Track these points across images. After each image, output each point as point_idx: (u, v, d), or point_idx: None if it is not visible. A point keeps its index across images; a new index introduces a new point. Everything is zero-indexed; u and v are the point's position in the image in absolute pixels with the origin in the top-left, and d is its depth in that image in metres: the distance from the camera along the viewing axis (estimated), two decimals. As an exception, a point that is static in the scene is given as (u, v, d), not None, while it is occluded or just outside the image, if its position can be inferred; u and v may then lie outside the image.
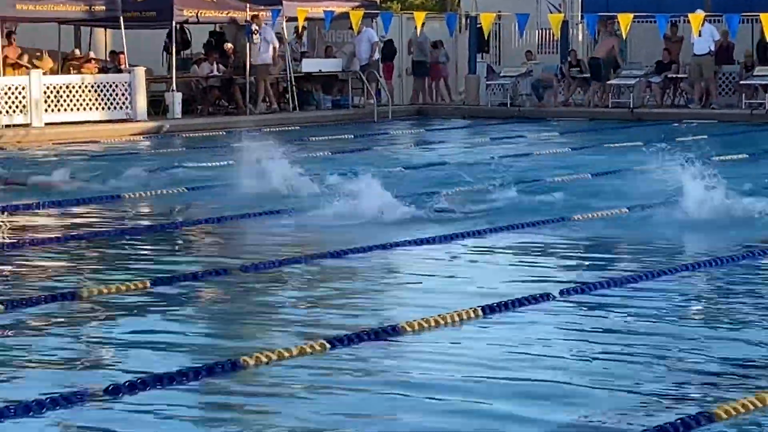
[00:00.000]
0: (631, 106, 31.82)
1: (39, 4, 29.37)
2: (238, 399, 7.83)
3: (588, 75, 33.44)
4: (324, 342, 8.87)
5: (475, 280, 11.52)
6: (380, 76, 33.83)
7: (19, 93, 27.98)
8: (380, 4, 37.32)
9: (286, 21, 32.96)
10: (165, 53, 32.66)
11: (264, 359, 8.43)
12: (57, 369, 8.52)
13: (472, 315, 9.81)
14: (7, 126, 27.47)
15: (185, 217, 15.95)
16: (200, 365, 8.26)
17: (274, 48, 31.23)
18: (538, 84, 34.01)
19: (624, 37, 31.80)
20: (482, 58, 36.37)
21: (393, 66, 35.63)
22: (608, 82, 32.57)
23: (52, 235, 14.19)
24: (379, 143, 27.25)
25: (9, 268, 12.41)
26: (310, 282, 11.56)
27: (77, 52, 32.67)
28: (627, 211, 14.94)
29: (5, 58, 28.99)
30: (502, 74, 35.06)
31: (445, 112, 34.64)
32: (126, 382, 7.81)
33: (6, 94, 27.79)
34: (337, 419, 7.37)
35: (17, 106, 27.87)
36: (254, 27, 30.89)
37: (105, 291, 10.76)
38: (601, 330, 9.61)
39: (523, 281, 11.31)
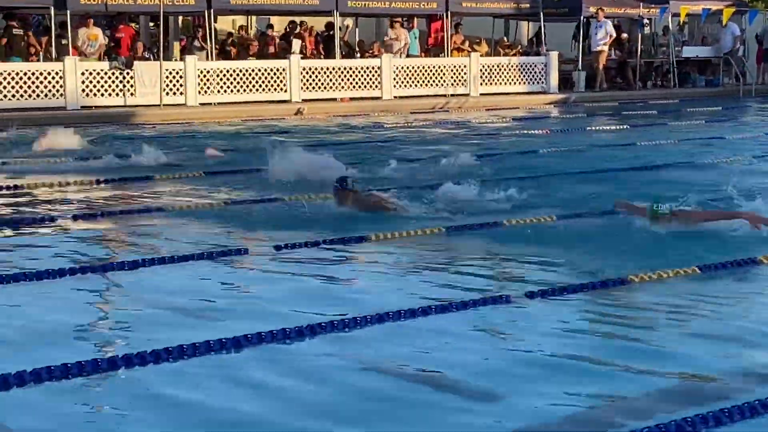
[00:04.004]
0: None
1: (479, 2, 29.81)
2: (625, 312, 7.59)
3: None
4: (696, 268, 8.55)
5: None
6: (745, 61, 32.47)
7: (461, 70, 28.48)
8: (748, 2, 35.61)
9: (671, 16, 32.05)
10: (573, 41, 32.39)
11: (646, 278, 8.20)
12: (481, 274, 8.52)
13: None
14: (452, 95, 28.03)
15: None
16: (593, 281, 8.10)
17: (611, 37, 30.26)
18: None
19: None
20: None
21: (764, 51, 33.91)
22: None
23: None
24: (743, 115, 26.13)
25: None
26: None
27: (505, 39, 32.88)
28: None
29: (453, 43, 29.52)
30: None
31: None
32: (539, 289, 7.76)
33: (451, 70, 28.34)
34: (711, 335, 6.96)
35: (460, 80, 28.39)
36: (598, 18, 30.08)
37: (521, 222, 10.74)
38: None
39: None
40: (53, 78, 23.17)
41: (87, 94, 23.58)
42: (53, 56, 24.35)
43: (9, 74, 22.87)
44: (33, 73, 23.10)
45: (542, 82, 29.67)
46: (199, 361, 6.21)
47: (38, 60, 24.68)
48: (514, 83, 29.38)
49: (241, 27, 30.90)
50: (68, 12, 24.35)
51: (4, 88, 22.74)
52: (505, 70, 29.27)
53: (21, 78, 22.91)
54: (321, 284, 8.30)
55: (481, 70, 28.73)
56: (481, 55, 29.55)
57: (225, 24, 32.47)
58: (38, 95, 23.04)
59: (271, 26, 29.29)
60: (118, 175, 14.08)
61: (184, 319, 7.17)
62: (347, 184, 10.86)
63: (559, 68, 30.07)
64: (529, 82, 29.55)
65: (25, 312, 7.40)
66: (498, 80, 29.09)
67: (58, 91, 23.19)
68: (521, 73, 29.47)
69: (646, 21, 31.68)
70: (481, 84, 28.68)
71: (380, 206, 10.73)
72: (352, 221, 10.55)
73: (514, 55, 30.58)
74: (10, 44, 24.53)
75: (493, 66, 29.14)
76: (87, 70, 23.66)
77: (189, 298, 7.79)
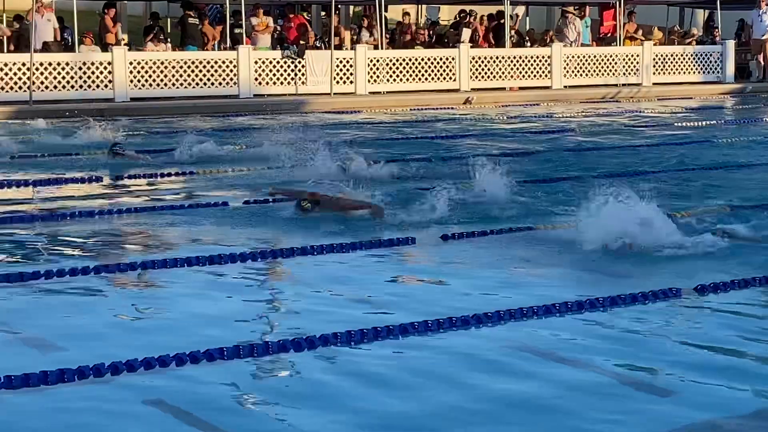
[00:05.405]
0: None
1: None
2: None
3: None
4: None
5: None
6: None
7: (634, 59, 28.05)
8: None
9: None
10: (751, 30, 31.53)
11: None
12: (650, 266, 8.37)
13: None
14: (624, 85, 27.62)
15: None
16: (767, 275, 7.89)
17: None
18: None
19: None
20: None
21: None
22: None
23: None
24: None
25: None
26: None
27: (677, 27, 32.22)
28: None
29: (626, 32, 29.06)
30: None
31: None
32: (710, 283, 7.58)
33: (623, 60, 27.93)
34: None
35: (632, 69, 27.95)
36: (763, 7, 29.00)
37: (691, 214, 10.51)
38: None
39: None
40: (227, 66, 23.74)
41: (259, 83, 24.09)
42: (227, 45, 24.96)
43: (185, 62, 23.53)
44: (208, 62, 23.72)
45: (717, 72, 28.96)
46: (363, 348, 6.30)
47: (213, 49, 25.33)
48: (688, 73, 28.75)
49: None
50: (242, 1, 24.92)
51: (180, 76, 23.41)
52: (678, 59, 28.67)
53: (196, 66, 23.55)
54: (486, 274, 8.30)
55: (654, 59, 28.22)
56: (655, 44, 29.02)
57: (394, 13, 32.70)
58: (212, 83, 23.65)
59: (407, 14, 29.59)
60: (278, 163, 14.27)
61: (347, 307, 7.27)
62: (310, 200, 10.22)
63: (736, 57, 29.30)
64: (703, 72, 28.88)
65: (201, 295, 7.65)
66: (671, 69, 28.52)
67: (231, 79, 23.76)
68: (696, 62, 28.82)
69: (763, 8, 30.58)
70: (654, 73, 28.17)
71: (351, 208, 10.18)
72: (517, 211, 10.53)
73: (689, 43, 29.92)
74: (186, 33, 25.25)
75: (666, 55, 28.58)
76: (260, 59, 24.16)
77: (355, 286, 7.91)
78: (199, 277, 8.11)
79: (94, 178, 13.27)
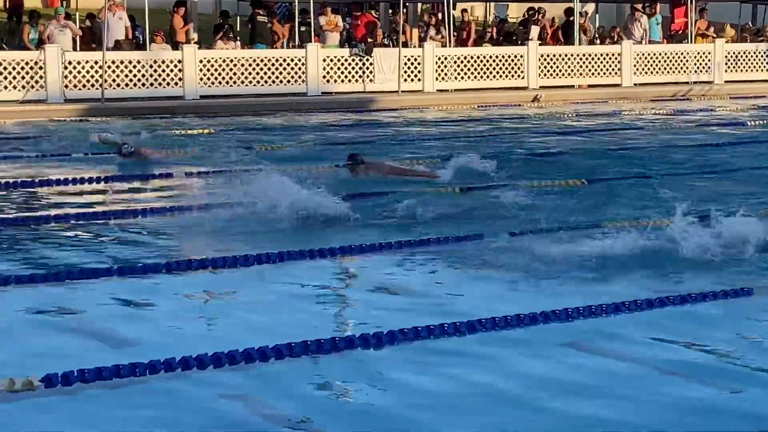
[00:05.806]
0: None
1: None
2: None
3: None
4: None
5: None
6: None
7: (705, 57, 27.72)
8: None
9: None
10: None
11: None
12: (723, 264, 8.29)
13: None
14: (695, 83, 27.29)
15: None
16: None
17: None
18: None
19: None
20: None
21: None
22: None
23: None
24: None
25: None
26: None
27: (749, 24, 31.78)
28: None
29: (697, 29, 28.74)
30: None
31: None
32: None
33: (694, 57, 27.61)
34: None
35: (703, 67, 27.62)
36: None
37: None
38: None
39: None
40: (296, 64, 23.87)
41: (327, 81, 24.18)
42: (296, 43, 25.08)
43: (254, 60, 23.69)
44: (276, 60, 23.85)
45: (797, 69, 28.53)
46: (422, 344, 6.32)
47: (282, 47, 25.47)
48: (761, 70, 28.35)
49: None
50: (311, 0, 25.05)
51: (249, 74, 23.57)
52: (751, 56, 28.28)
53: (265, 64, 23.70)
54: (553, 271, 8.26)
55: (726, 57, 27.87)
56: (726, 41, 28.66)
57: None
58: (281, 81, 23.78)
59: (465, 11, 29.33)
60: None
61: (411, 304, 7.30)
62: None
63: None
64: (782, 69, 28.49)
65: (268, 293, 7.71)
66: (744, 67, 28.14)
67: (300, 77, 23.87)
68: (770, 59, 28.42)
69: None
70: (725, 71, 27.81)
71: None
72: (586, 209, 10.47)
73: (762, 41, 29.51)
74: (255, 31, 25.42)
75: (738, 53, 28.22)
76: (328, 57, 24.26)
77: (420, 283, 7.94)
78: (270, 275, 8.18)
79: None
